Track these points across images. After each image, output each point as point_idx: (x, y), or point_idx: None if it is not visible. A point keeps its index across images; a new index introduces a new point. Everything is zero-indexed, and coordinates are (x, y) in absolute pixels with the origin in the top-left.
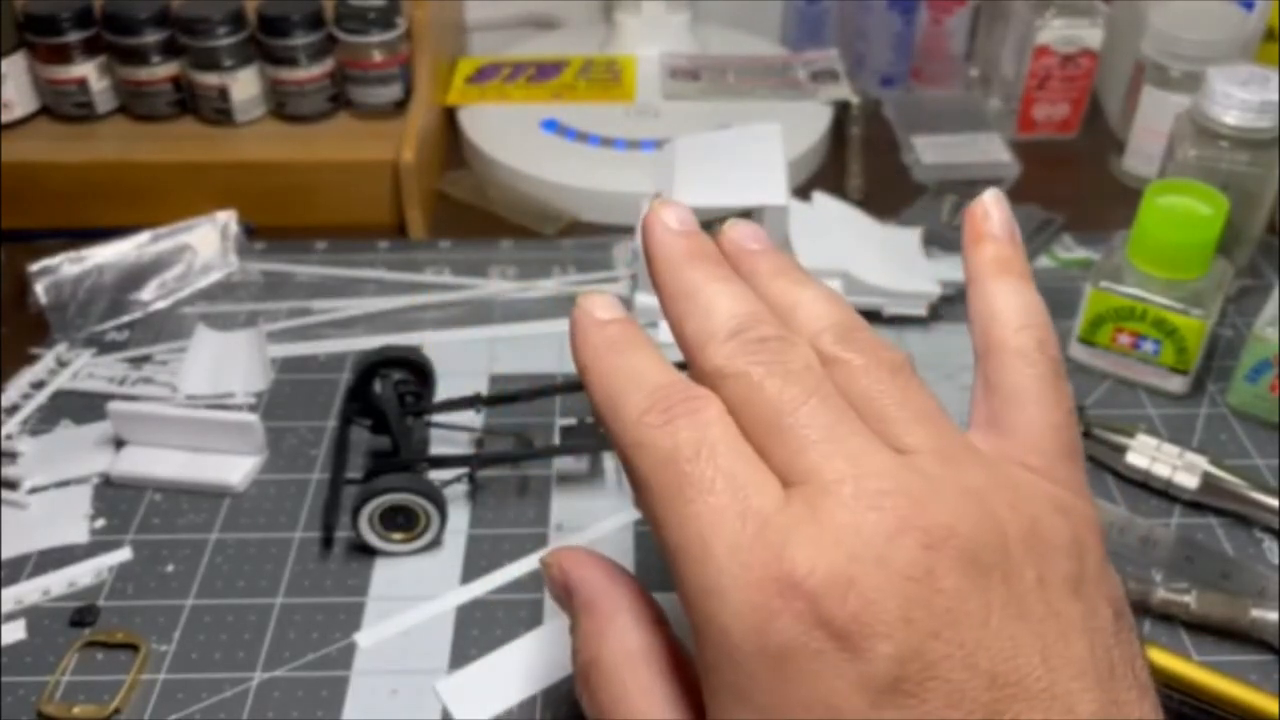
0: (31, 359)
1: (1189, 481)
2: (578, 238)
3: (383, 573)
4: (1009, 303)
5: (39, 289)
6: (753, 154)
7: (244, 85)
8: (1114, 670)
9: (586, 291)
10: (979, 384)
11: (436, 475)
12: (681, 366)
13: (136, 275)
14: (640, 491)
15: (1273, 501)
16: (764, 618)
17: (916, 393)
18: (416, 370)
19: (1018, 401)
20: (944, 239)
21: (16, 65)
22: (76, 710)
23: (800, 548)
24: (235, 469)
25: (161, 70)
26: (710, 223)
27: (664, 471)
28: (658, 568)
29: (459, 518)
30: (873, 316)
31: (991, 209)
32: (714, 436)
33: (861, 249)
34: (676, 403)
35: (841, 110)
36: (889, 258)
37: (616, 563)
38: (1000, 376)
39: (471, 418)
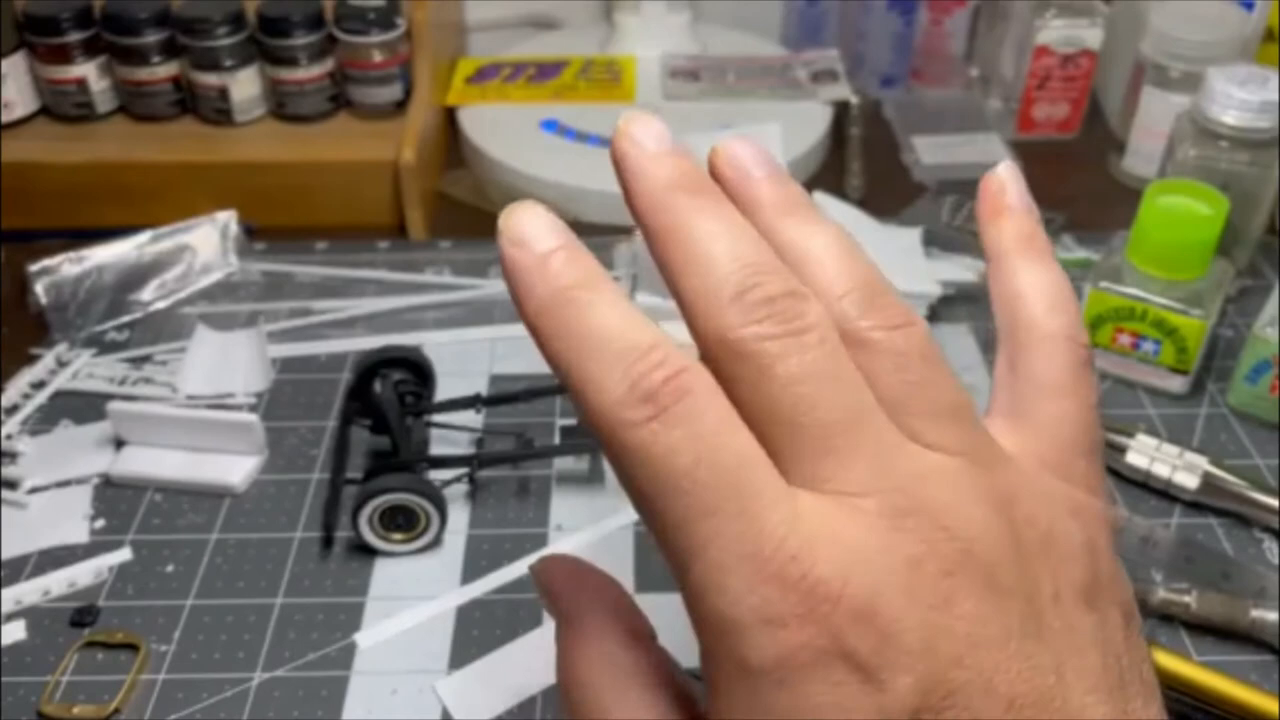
0: (31, 359)
1: (1189, 481)
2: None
3: (383, 573)
4: (1036, 282)
5: (39, 289)
6: None
7: (244, 85)
8: (1124, 678)
9: (513, 205)
10: (1003, 367)
11: (436, 475)
12: None
13: (136, 275)
14: (629, 491)
15: (1273, 502)
16: (784, 650)
17: (942, 382)
18: (417, 370)
19: (1045, 393)
20: (944, 239)
21: (16, 65)
22: (76, 710)
23: (821, 572)
24: (235, 469)
25: (161, 70)
26: None
27: (659, 484)
28: (657, 566)
29: (459, 518)
30: None
31: (1008, 181)
32: (709, 431)
33: None
34: (659, 386)
35: (841, 110)
36: (888, 258)
37: (602, 571)
38: (1029, 364)
39: (471, 418)
